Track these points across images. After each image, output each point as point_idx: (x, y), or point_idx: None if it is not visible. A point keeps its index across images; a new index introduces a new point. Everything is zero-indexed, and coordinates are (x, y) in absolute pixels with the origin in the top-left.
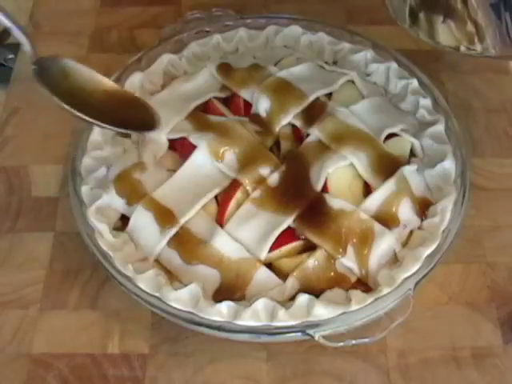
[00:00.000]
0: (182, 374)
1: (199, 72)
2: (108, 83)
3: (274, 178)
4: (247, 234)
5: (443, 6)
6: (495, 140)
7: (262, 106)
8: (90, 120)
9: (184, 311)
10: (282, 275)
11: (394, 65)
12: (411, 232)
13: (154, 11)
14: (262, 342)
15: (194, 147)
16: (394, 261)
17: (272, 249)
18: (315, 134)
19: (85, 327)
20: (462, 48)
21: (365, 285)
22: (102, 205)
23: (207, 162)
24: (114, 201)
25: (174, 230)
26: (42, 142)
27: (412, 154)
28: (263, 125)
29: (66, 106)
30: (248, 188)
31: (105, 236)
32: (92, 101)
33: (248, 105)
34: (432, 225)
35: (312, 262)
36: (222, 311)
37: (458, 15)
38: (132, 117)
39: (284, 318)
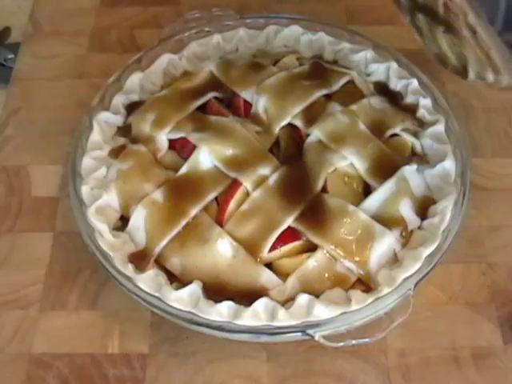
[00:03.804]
0: (182, 374)
1: (199, 72)
2: None
3: (274, 178)
4: (247, 234)
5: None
6: (495, 140)
7: (262, 106)
8: None
9: (184, 311)
10: (282, 275)
11: (394, 65)
12: (411, 232)
13: (153, 11)
14: (262, 341)
15: (194, 147)
16: (394, 261)
17: (272, 249)
18: (315, 134)
19: (85, 327)
20: (471, 74)
21: (365, 285)
22: (102, 205)
23: (207, 161)
24: (113, 201)
25: (174, 231)
26: (42, 142)
27: (412, 153)
28: (263, 125)
29: None
30: (248, 188)
31: (105, 236)
32: None
33: (248, 105)
34: (432, 225)
35: (312, 262)
36: (222, 311)
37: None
38: None
39: (284, 318)
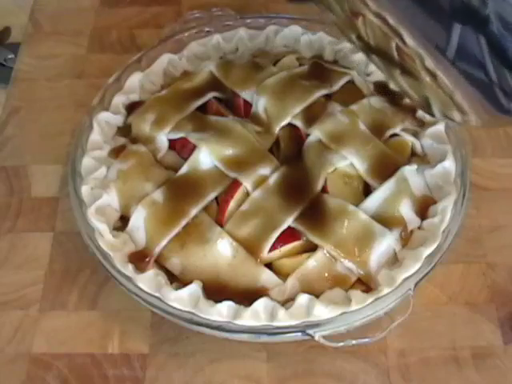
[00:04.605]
0: (183, 374)
1: (199, 72)
2: None
3: (273, 178)
4: (247, 234)
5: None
6: (495, 140)
7: (262, 106)
8: None
9: (184, 311)
10: (282, 275)
11: None
12: (411, 232)
13: (154, 11)
14: (261, 341)
15: (194, 147)
16: (394, 261)
17: (272, 249)
18: (315, 134)
19: (85, 327)
20: (436, 113)
21: (365, 285)
22: (102, 205)
23: (207, 161)
24: (113, 201)
25: (174, 231)
26: (42, 142)
27: (412, 153)
28: (263, 125)
29: None
30: (248, 188)
31: (105, 236)
32: None
33: (248, 105)
34: (432, 225)
35: (312, 262)
36: (222, 311)
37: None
38: None
39: (284, 318)
